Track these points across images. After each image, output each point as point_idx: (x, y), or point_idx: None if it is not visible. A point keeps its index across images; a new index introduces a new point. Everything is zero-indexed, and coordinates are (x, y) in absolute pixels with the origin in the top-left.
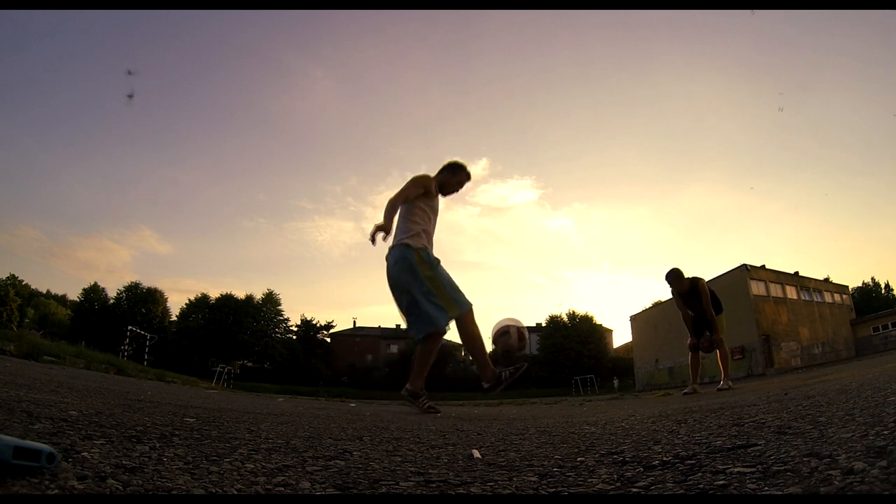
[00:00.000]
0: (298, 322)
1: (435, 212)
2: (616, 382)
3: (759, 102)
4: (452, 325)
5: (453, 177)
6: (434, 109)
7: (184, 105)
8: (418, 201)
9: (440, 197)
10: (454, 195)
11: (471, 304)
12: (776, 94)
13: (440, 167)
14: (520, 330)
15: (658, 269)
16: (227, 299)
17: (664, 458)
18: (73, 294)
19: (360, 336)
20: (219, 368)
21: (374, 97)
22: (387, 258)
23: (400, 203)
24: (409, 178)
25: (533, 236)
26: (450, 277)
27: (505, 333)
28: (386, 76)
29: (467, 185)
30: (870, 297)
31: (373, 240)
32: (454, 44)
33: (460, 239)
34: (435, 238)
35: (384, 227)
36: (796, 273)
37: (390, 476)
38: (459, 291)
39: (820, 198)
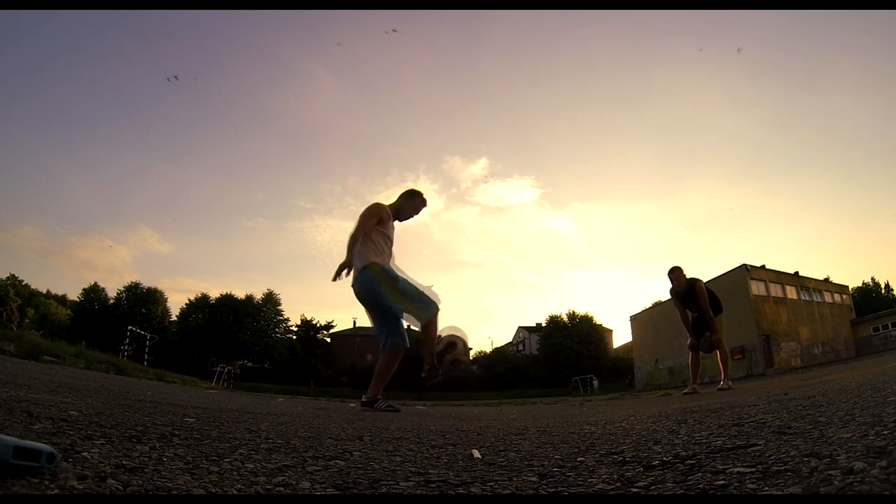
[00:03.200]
0: (298, 322)
1: (389, 238)
2: (596, 383)
3: (760, 101)
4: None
5: (409, 202)
6: (434, 108)
7: (183, 103)
8: (372, 232)
9: (396, 222)
10: (410, 219)
11: (437, 308)
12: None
13: (399, 194)
14: (464, 342)
15: (658, 269)
16: (227, 299)
17: (664, 458)
18: (73, 294)
19: (360, 336)
20: (219, 368)
21: (373, 96)
22: (353, 286)
23: (360, 237)
24: (362, 210)
25: (533, 236)
26: (413, 286)
27: (452, 345)
28: (386, 75)
29: (423, 210)
30: (870, 297)
31: (336, 277)
32: (454, 42)
33: (460, 239)
34: (434, 238)
35: (347, 264)
36: (796, 273)
37: (390, 476)
38: (424, 298)
39: (821, 198)
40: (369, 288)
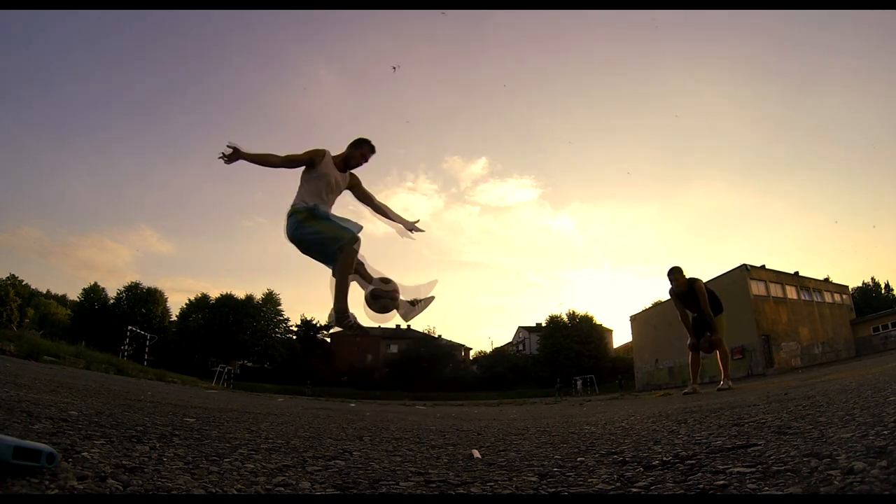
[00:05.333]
0: (298, 322)
1: (329, 184)
2: (579, 384)
3: (761, 101)
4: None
5: (356, 150)
6: (433, 107)
7: (183, 102)
8: (309, 173)
9: (346, 173)
10: (360, 167)
11: (359, 228)
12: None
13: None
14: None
15: (658, 269)
16: (227, 299)
17: (664, 458)
18: (73, 294)
19: (360, 336)
20: (219, 368)
21: (372, 95)
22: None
23: (275, 162)
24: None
25: (533, 236)
26: (331, 218)
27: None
28: (385, 74)
29: (373, 158)
30: (870, 297)
31: (224, 158)
32: (453, 42)
33: (460, 238)
34: (433, 238)
35: (237, 153)
36: (796, 273)
37: (390, 476)
38: (345, 224)
39: (821, 198)
40: (297, 232)
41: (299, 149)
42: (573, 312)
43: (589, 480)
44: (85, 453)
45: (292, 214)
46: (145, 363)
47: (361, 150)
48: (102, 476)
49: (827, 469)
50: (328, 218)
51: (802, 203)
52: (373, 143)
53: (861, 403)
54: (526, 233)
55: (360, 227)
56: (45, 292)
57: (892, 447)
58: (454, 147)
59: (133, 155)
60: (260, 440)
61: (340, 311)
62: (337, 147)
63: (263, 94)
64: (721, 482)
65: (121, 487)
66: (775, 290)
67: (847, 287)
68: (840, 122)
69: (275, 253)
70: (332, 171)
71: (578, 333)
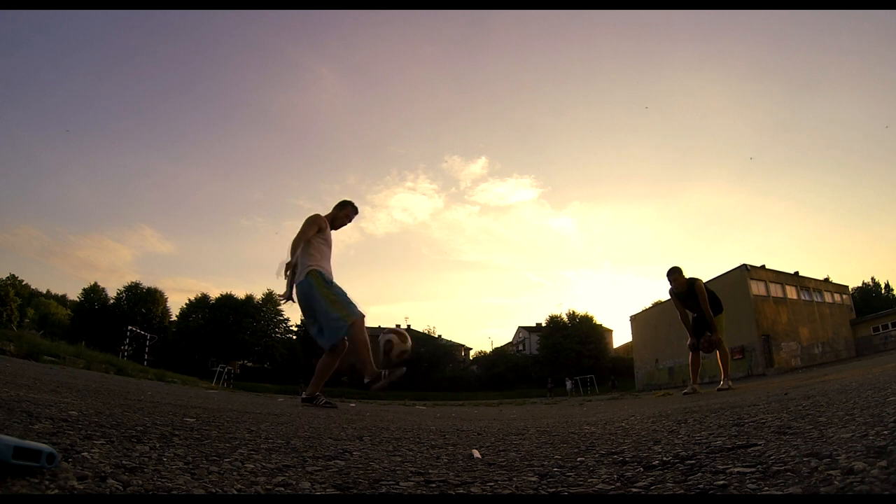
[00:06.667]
0: (298, 322)
1: (329, 244)
2: (569, 384)
3: (761, 101)
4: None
5: (341, 211)
6: (433, 107)
7: (184, 102)
8: (314, 239)
9: (332, 231)
10: (344, 227)
11: (362, 314)
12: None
13: (333, 206)
14: (399, 333)
15: (658, 269)
16: (227, 299)
17: (664, 458)
18: (73, 294)
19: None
20: (219, 368)
21: (373, 95)
22: (295, 292)
23: (301, 244)
24: (304, 220)
25: (533, 236)
26: (343, 292)
27: (388, 343)
28: (385, 75)
29: (356, 217)
30: (870, 297)
31: (284, 275)
32: (453, 42)
33: (460, 238)
34: (433, 238)
35: (290, 265)
36: (796, 273)
37: (390, 476)
38: (352, 303)
39: (821, 198)
40: (309, 292)
41: (302, 152)
42: (573, 312)
43: (589, 480)
44: (85, 453)
45: (308, 275)
46: (145, 363)
47: (346, 212)
48: (102, 476)
49: (827, 469)
50: (341, 293)
51: (802, 203)
52: (355, 204)
53: (861, 403)
54: (526, 233)
55: (361, 315)
56: (45, 292)
57: (892, 447)
58: (454, 147)
59: (133, 155)
60: (260, 440)
61: (311, 395)
62: (334, 146)
63: (263, 94)
64: (721, 482)
65: (121, 487)
66: (775, 290)
67: (847, 287)
68: (840, 122)
69: (274, 253)
70: (328, 232)
71: (578, 333)
